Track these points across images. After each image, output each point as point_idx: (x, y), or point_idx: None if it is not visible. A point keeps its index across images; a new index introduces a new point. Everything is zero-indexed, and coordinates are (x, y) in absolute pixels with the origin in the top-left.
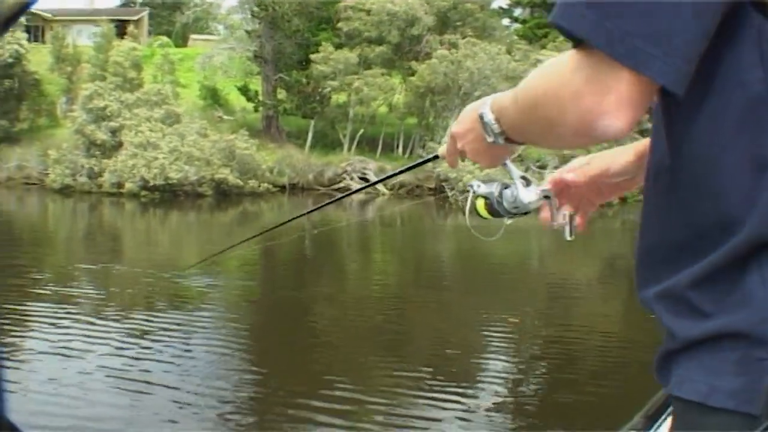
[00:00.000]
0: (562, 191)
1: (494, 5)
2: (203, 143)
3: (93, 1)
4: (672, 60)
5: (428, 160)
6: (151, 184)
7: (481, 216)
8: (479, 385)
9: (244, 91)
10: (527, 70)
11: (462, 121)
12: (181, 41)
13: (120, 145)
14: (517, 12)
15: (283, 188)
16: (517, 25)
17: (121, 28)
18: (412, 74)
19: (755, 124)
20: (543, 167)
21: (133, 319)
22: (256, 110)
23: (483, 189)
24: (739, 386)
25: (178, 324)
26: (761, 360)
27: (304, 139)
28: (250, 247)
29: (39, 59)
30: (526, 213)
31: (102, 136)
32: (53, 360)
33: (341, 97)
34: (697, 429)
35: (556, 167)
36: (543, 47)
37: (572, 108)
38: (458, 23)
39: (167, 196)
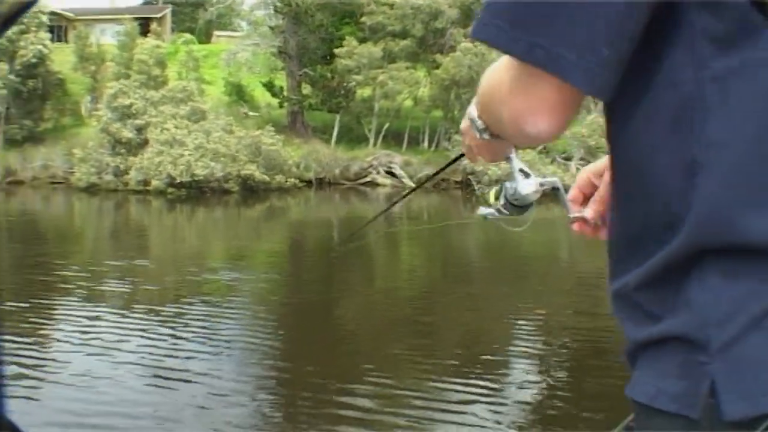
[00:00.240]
0: (590, 190)
1: None
2: (229, 139)
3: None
4: (588, 65)
5: (457, 159)
6: (178, 181)
7: (495, 211)
8: (509, 374)
9: (269, 86)
10: None
11: (464, 118)
12: (205, 38)
13: (146, 142)
14: None
15: (309, 183)
16: None
17: (145, 26)
18: (437, 67)
19: (687, 125)
20: (569, 159)
21: (162, 313)
22: (281, 106)
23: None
24: (681, 390)
25: (208, 318)
26: (702, 364)
27: (329, 133)
28: (281, 237)
29: (62, 59)
30: (528, 206)
31: (127, 134)
32: (84, 353)
33: (366, 92)
34: (647, 431)
35: (582, 159)
36: None
37: (505, 108)
38: None
39: (194, 192)
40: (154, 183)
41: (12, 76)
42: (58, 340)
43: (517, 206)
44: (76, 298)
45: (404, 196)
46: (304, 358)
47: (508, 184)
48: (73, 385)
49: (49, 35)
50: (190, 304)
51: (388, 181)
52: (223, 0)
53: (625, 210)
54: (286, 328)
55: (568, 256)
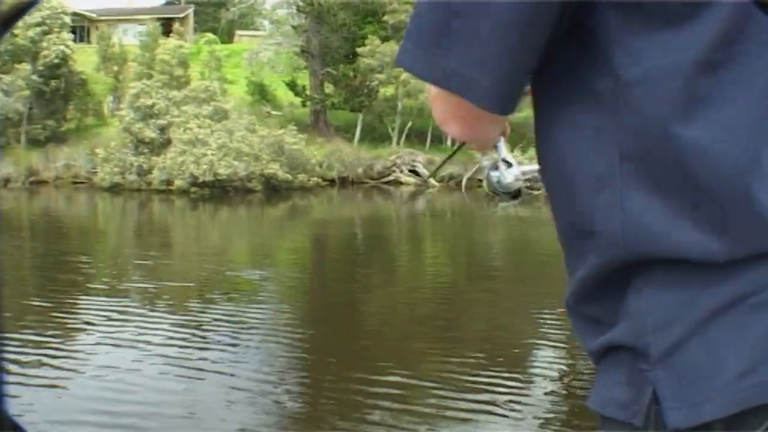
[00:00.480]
0: None
1: None
2: (252, 139)
3: (132, 0)
4: (485, 83)
5: (460, 147)
6: (201, 180)
7: (492, 192)
8: (532, 369)
9: (291, 86)
10: None
11: None
12: (227, 37)
13: (168, 142)
14: None
15: (332, 182)
16: None
17: (167, 26)
18: None
19: (608, 135)
20: None
21: (187, 308)
22: (304, 105)
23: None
24: (628, 398)
25: (232, 313)
26: (643, 371)
27: (352, 132)
28: (304, 236)
29: (85, 59)
30: (512, 192)
31: (150, 133)
32: (109, 347)
33: (389, 90)
34: None
35: None
36: None
37: (433, 111)
38: None
39: (217, 192)
40: (177, 182)
41: (35, 77)
42: (83, 335)
43: (506, 193)
44: (100, 295)
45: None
46: (328, 353)
47: (492, 173)
48: (98, 377)
49: (71, 36)
50: (215, 300)
51: (411, 179)
52: (245, 0)
53: (556, 217)
54: (310, 323)
55: None
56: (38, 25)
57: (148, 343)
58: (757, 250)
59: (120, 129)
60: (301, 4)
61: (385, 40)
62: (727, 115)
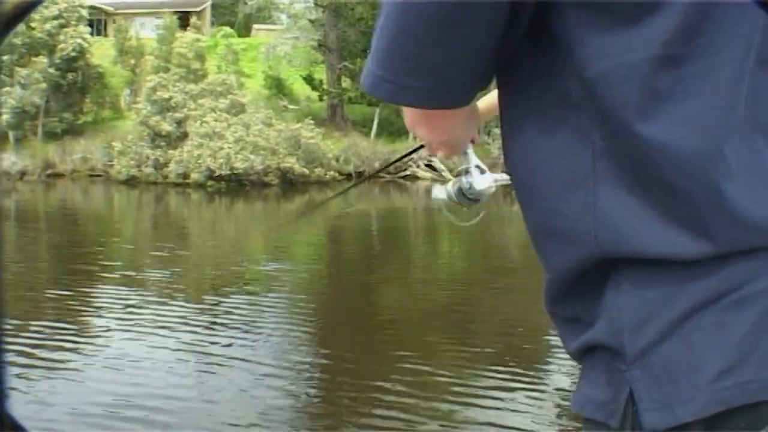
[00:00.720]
0: None
1: None
2: (269, 132)
3: None
4: (430, 87)
5: (416, 150)
6: (217, 174)
7: (452, 201)
8: (547, 362)
9: (308, 80)
10: None
11: None
12: (244, 31)
13: (185, 135)
14: None
15: (349, 176)
16: None
17: (184, 20)
18: None
19: (578, 131)
20: None
21: (203, 300)
22: (320, 99)
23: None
24: (606, 398)
25: (248, 305)
26: (621, 372)
27: (369, 127)
28: (320, 229)
29: (102, 52)
30: (481, 199)
31: (167, 127)
32: (125, 338)
33: None
34: None
35: None
36: None
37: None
38: None
39: (233, 185)
40: (194, 176)
41: (52, 70)
42: (100, 325)
43: (473, 199)
44: (117, 286)
45: (354, 185)
46: (343, 345)
47: (464, 179)
48: (114, 368)
49: (88, 29)
50: (230, 292)
51: (428, 174)
52: None
53: (527, 218)
54: (325, 315)
55: None
56: (55, 18)
57: (163, 334)
58: (732, 247)
59: (137, 122)
60: None
61: None
62: (688, 110)
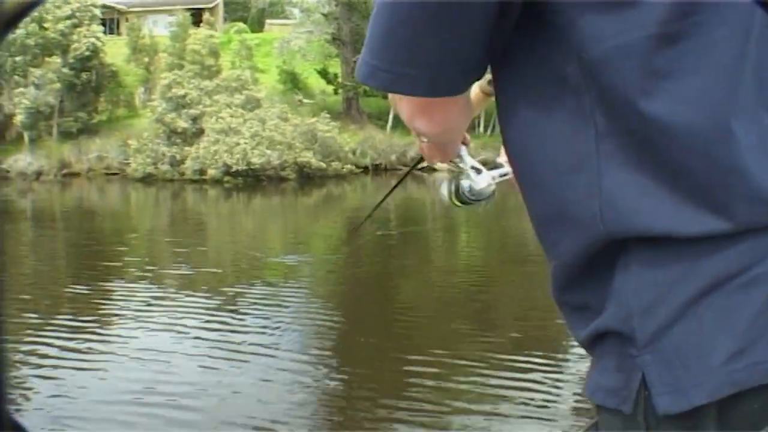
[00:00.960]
0: None
1: None
2: (285, 127)
3: None
4: (426, 76)
5: (417, 163)
6: (234, 169)
7: (455, 205)
8: (568, 347)
9: (323, 74)
10: None
11: None
12: (257, 26)
13: (201, 132)
14: None
15: (366, 169)
16: None
17: (197, 16)
18: None
19: (582, 116)
20: None
21: (223, 293)
22: (335, 93)
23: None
24: (618, 384)
25: (268, 297)
26: (633, 357)
27: (384, 119)
28: (338, 222)
29: (115, 51)
30: (486, 198)
31: (183, 123)
32: (147, 331)
33: None
34: (601, 428)
35: None
36: None
37: (400, 112)
38: None
39: (250, 181)
40: (211, 172)
41: (66, 70)
42: (122, 319)
43: (477, 199)
44: (137, 281)
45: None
46: (364, 333)
47: (463, 183)
48: (137, 359)
49: (101, 28)
50: (250, 284)
51: (445, 165)
52: None
53: (530, 206)
54: (345, 305)
55: None
56: (68, 18)
57: (185, 326)
58: (749, 223)
59: (152, 120)
60: None
61: None
62: (688, 87)
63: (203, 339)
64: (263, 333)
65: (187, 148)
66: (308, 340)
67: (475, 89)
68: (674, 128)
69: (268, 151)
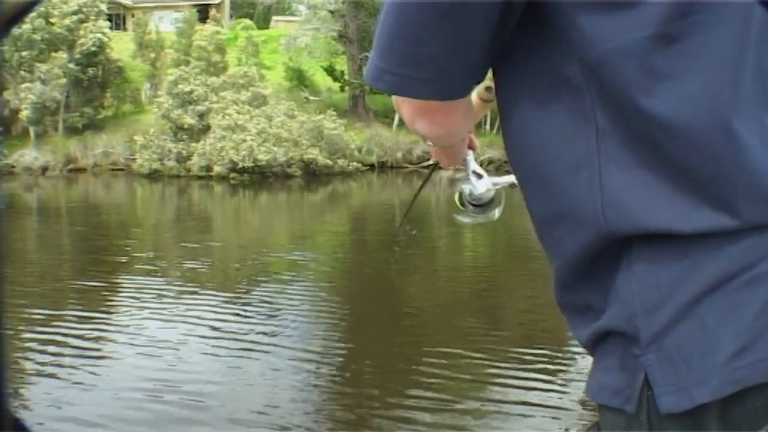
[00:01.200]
0: None
1: None
2: (291, 124)
3: None
4: (430, 78)
5: (432, 171)
6: (240, 166)
7: (461, 215)
8: (572, 346)
9: (330, 71)
10: None
11: None
12: (263, 23)
13: (207, 128)
14: None
15: (371, 167)
16: None
17: (203, 13)
18: None
19: (584, 116)
20: None
21: (230, 288)
22: (342, 90)
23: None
24: (621, 384)
25: (275, 293)
26: (636, 356)
27: (391, 117)
28: (344, 220)
29: (122, 47)
30: (490, 203)
31: (189, 120)
32: (156, 325)
33: None
34: (604, 428)
35: None
36: None
37: (401, 115)
38: None
39: (256, 177)
40: (217, 168)
41: (72, 65)
42: (131, 312)
43: (478, 206)
44: (146, 276)
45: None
46: (371, 330)
47: (464, 187)
48: (150, 354)
49: (108, 23)
50: (257, 280)
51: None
52: None
53: (531, 207)
54: (352, 302)
55: None
56: (75, 13)
57: (192, 321)
58: (754, 220)
59: (158, 116)
60: None
61: None
62: (687, 87)
63: (212, 333)
64: (271, 327)
65: (193, 145)
66: (316, 335)
67: (473, 96)
68: (675, 127)
69: (275, 148)
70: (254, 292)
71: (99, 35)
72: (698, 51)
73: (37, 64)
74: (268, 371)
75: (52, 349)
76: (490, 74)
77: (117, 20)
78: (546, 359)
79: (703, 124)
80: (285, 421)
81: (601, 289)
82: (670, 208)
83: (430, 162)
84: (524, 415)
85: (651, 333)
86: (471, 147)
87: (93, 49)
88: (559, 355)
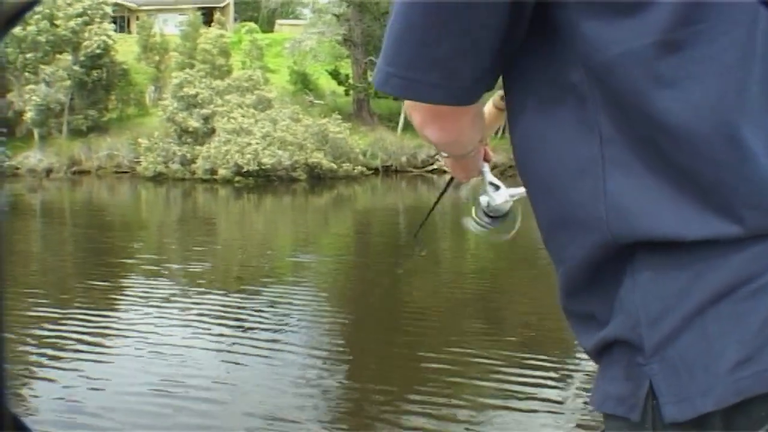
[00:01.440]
0: None
1: None
2: (296, 128)
3: None
4: (441, 83)
5: (449, 185)
6: (245, 169)
7: (476, 225)
8: (574, 350)
9: (334, 75)
10: None
11: None
12: (267, 26)
13: (212, 131)
14: None
15: (376, 171)
16: None
17: (208, 16)
18: None
19: (586, 120)
20: None
21: (235, 290)
22: (346, 94)
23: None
24: (626, 392)
25: (280, 295)
26: (641, 366)
27: (395, 121)
28: (349, 223)
29: (126, 49)
30: (506, 215)
31: (194, 123)
32: (161, 326)
33: None
34: None
35: None
36: None
37: (413, 121)
38: None
39: (261, 181)
40: (222, 172)
41: (76, 67)
42: (137, 314)
43: (494, 217)
44: (152, 278)
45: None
46: (374, 331)
47: (481, 198)
48: (151, 353)
49: (112, 26)
50: (262, 282)
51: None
52: None
53: (537, 213)
54: (355, 304)
55: None
56: (79, 15)
57: (201, 322)
58: (749, 229)
59: (163, 119)
60: None
61: None
62: (694, 93)
63: (217, 335)
64: (276, 328)
65: (198, 148)
66: (319, 336)
67: (489, 105)
68: (680, 133)
69: (279, 152)
70: (259, 294)
71: (104, 38)
72: (704, 58)
73: (42, 66)
74: (272, 371)
75: (56, 348)
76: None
77: (121, 23)
78: (548, 361)
79: (708, 131)
80: (289, 420)
81: (605, 297)
82: (673, 214)
83: (435, 167)
84: (527, 416)
85: (655, 342)
86: (486, 159)
87: (97, 51)
88: (562, 357)
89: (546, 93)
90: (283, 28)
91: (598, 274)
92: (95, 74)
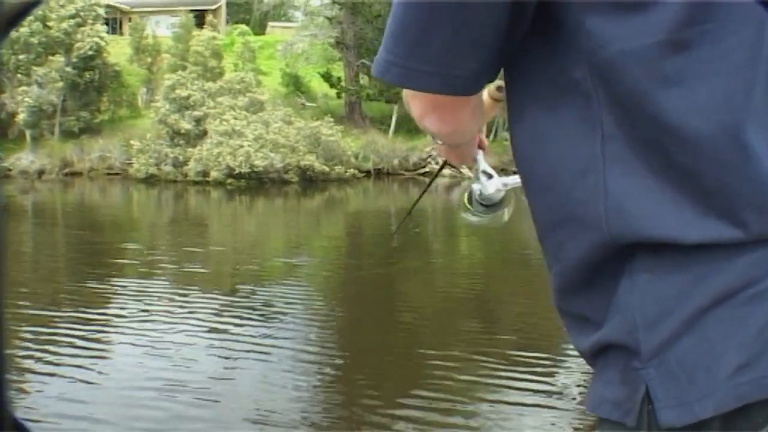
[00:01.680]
0: None
1: None
2: (288, 130)
3: None
4: (442, 72)
5: (441, 169)
6: (237, 171)
7: (467, 213)
8: (568, 351)
9: (326, 77)
10: None
11: None
12: (259, 29)
13: (204, 133)
14: None
15: (368, 173)
16: None
17: (200, 18)
18: None
19: (588, 117)
20: None
21: (229, 292)
22: (338, 96)
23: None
24: (622, 397)
25: (274, 296)
26: (637, 370)
27: (387, 124)
28: (341, 225)
29: (118, 51)
30: (498, 204)
31: (186, 125)
32: (162, 327)
33: None
34: None
35: None
36: None
37: (411, 112)
38: None
39: (253, 183)
40: (214, 174)
41: (69, 69)
42: (130, 314)
43: (487, 206)
44: (143, 279)
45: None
46: (368, 332)
47: (474, 186)
48: (147, 355)
49: (105, 28)
50: (255, 284)
51: (446, 171)
52: None
53: (535, 212)
54: (349, 305)
55: None
56: (72, 17)
57: (194, 323)
58: (752, 233)
59: (155, 120)
60: None
61: None
62: (700, 94)
63: (210, 335)
64: (270, 330)
65: (190, 150)
66: (314, 337)
67: (485, 95)
68: (683, 133)
69: (272, 154)
70: (252, 296)
71: (96, 39)
72: (709, 59)
73: (34, 68)
74: (267, 372)
75: (52, 349)
76: (501, 73)
77: (114, 24)
78: (543, 362)
79: (713, 132)
80: (284, 421)
81: (602, 298)
82: (674, 216)
83: (427, 170)
84: (521, 415)
85: (652, 346)
86: (481, 147)
87: (90, 53)
88: (556, 357)
89: (548, 91)
90: (275, 30)
91: (595, 274)
92: (87, 76)
